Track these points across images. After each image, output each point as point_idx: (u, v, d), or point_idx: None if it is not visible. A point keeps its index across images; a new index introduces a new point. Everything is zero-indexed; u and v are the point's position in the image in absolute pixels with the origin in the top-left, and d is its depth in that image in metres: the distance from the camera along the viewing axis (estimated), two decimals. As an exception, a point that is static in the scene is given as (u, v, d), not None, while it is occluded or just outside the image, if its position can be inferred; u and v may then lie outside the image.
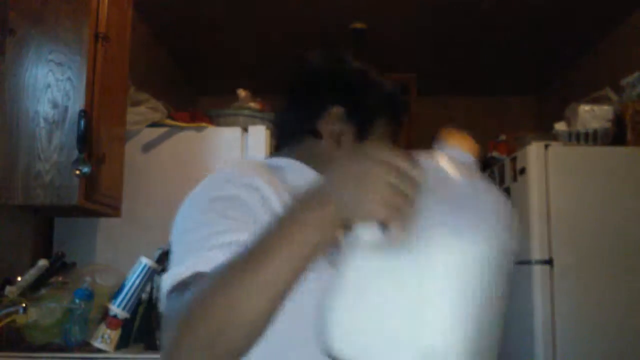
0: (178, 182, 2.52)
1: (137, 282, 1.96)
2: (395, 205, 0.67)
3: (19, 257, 2.24)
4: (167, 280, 0.80)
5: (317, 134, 0.95)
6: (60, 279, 2.03)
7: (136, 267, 1.99)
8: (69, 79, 2.00)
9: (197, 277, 0.76)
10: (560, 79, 4.60)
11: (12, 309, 1.83)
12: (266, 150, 2.56)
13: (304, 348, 0.78)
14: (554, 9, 3.46)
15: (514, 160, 3.00)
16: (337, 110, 0.95)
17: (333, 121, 0.95)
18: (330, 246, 0.73)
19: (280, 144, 0.99)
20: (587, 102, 3.02)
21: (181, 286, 0.77)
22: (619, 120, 2.91)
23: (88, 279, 2.01)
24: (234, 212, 0.82)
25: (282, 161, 0.94)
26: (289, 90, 1.00)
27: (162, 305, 0.81)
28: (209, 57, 4.31)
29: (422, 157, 0.78)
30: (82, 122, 1.93)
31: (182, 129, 2.57)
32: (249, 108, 2.87)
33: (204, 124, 2.61)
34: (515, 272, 2.66)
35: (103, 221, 2.46)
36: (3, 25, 2.03)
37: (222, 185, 0.85)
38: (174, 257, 0.84)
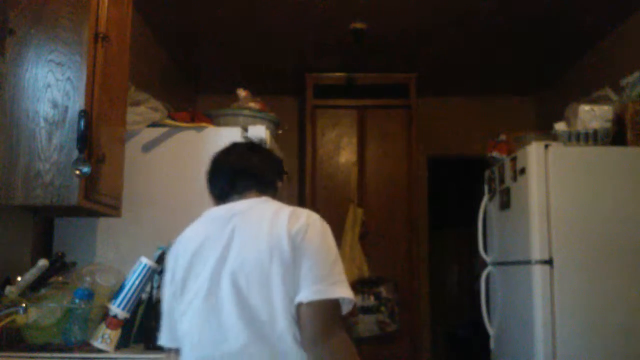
0: (178, 182, 2.53)
1: (137, 282, 1.96)
2: None
3: (19, 257, 2.24)
4: (347, 292, 1.38)
5: (276, 188, 1.63)
6: (60, 278, 2.03)
7: (136, 267, 1.99)
8: (68, 79, 2.00)
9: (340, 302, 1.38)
10: (560, 79, 4.60)
11: (12, 309, 1.82)
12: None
13: None
14: (554, 9, 3.46)
15: (514, 160, 3.00)
16: (285, 177, 1.71)
17: (283, 182, 1.67)
18: None
19: (264, 191, 1.58)
20: (587, 102, 3.02)
21: (336, 304, 1.37)
22: (619, 120, 2.91)
23: (88, 279, 2.02)
24: None
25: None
26: (265, 158, 1.66)
27: (329, 295, 1.36)
28: (208, 57, 4.32)
29: None
30: (82, 122, 1.93)
31: (182, 129, 2.57)
32: (249, 108, 2.87)
33: (203, 124, 2.61)
34: (515, 272, 2.69)
35: (103, 221, 2.46)
36: (3, 25, 2.03)
37: None
38: (335, 265, 1.40)
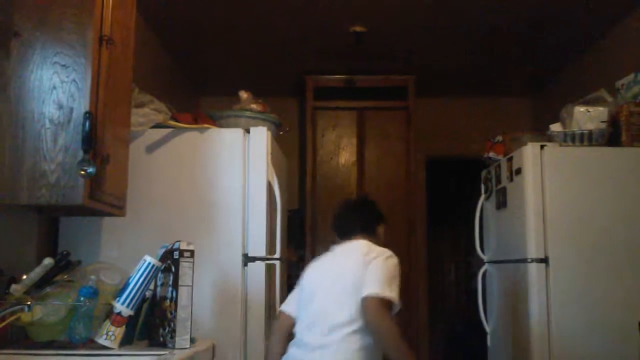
0: (181, 183, 2.56)
1: (141, 280, 1.99)
2: None
3: (25, 256, 2.26)
4: (396, 298, 2.08)
5: (375, 233, 2.39)
6: (65, 277, 2.05)
7: (140, 265, 2.01)
8: (73, 80, 2.01)
9: (390, 301, 2.08)
10: (556, 81, 4.63)
11: (17, 307, 1.84)
12: (267, 150, 2.60)
13: None
14: (553, 9, 3.49)
15: (510, 160, 3.04)
16: (384, 225, 2.44)
17: (382, 229, 2.42)
18: None
19: (361, 233, 2.35)
20: (583, 103, 3.05)
21: (387, 302, 2.06)
22: (613, 121, 2.94)
23: (93, 277, 2.03)
24: None
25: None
26: (365, 211, 2.45)
27: (374, 291, 2.07)
28: (210, 59, 4.35)
29: None
30: (87, 123, 1.95)
31: (185, 130, 2.60)
32: (251, 109, 2.90)
33: (206, 125, 2.64)
34: (511, 270, 2.76)
35: (107, 220, 2.49)
36: (8, 28, 2.06)
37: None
38: (389, 280, 2.10)
